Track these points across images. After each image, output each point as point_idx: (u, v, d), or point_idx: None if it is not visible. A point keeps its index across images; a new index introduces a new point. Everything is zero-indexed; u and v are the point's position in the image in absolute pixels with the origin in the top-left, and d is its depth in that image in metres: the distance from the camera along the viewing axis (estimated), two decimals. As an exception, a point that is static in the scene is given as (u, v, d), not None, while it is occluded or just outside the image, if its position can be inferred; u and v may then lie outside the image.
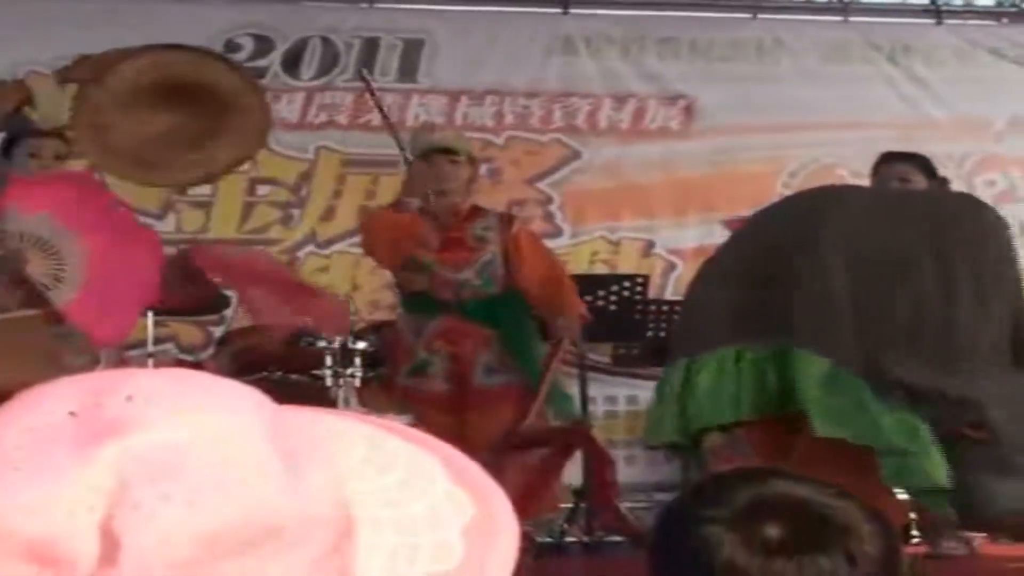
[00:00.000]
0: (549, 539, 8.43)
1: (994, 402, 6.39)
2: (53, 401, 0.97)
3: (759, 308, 6.72)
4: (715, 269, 7.14)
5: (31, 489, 0.92)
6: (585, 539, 8.36)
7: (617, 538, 8.31)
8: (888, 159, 7.76)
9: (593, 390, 9.01)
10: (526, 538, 1.14)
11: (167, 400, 0.96)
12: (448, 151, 7.80)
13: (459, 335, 7.62)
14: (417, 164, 7.77)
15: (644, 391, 9.59)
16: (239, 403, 0.99)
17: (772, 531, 2.01)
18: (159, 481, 0.92)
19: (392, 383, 7.90)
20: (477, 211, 7.84)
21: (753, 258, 6.92)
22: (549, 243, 10.28)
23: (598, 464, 8.11)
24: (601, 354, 9.47)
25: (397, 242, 7.58)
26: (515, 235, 7.87)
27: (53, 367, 6.64)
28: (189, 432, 0.94)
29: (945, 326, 6.60)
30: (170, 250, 9.12)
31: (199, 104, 7.16)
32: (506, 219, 8.03)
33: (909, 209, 7.18)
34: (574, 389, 8.88)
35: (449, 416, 7.53)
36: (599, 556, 8.24)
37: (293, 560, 0.95)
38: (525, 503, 7.39)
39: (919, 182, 7.55)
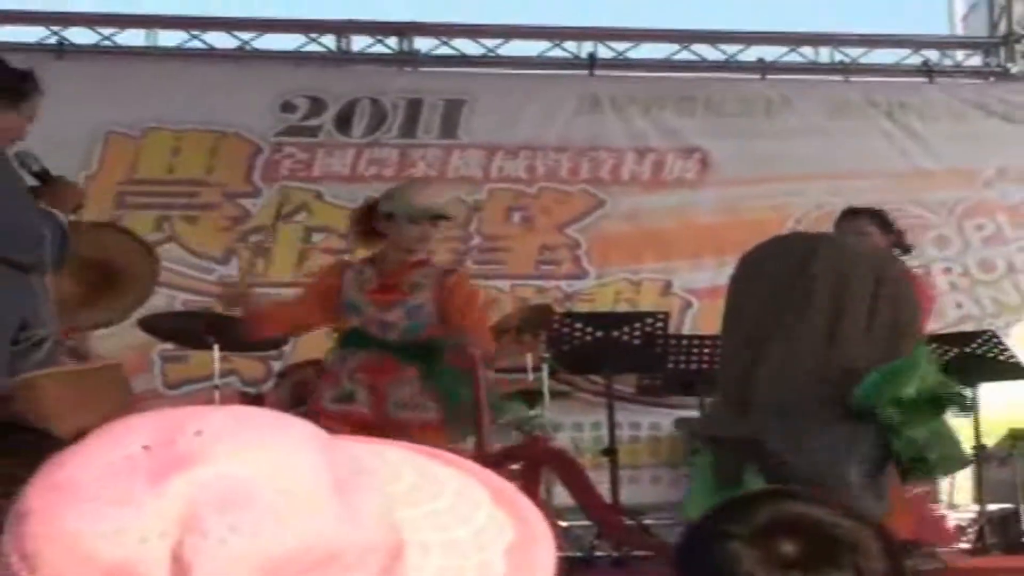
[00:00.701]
0: (579, 554, 8.31)
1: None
2: (129, 436, 0.97)
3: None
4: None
5: (109, 517, 0.92)
6: (615, 554, 8.24)
7: (645, 553, 8.07)
8: (848, 214, 7.87)
9: (619, 417, 8.97)
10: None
11: (232, 436, 0.96)
12: (445, 219, 7.59)
13: (378, 369, 7.26)
14: (396, 221, 7.36)
15: (666, 418, 9.96)
16: (297, 438, 0.98)
17: (788, 548, 2.01)
18: (225, 511, 0.92)
19: (320, 409, 7.37)
20: (422, 263, 7.44)
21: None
22: (575, 284, 10.71)
23: (569, 475, 7.77)
24: (626, 384, 9.39)
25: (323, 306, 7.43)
26: (451, 282, 7.47)
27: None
28: (252, 466, 0.94)
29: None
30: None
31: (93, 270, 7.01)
32: (446, 272, 7.65)
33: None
34: (602, 417, 8.96)
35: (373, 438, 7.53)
36: (629, 571, 8.06)
37: None
38: None
39: (875, 235, 7.64)
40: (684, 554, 2.12)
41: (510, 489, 1.07)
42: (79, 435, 1.25)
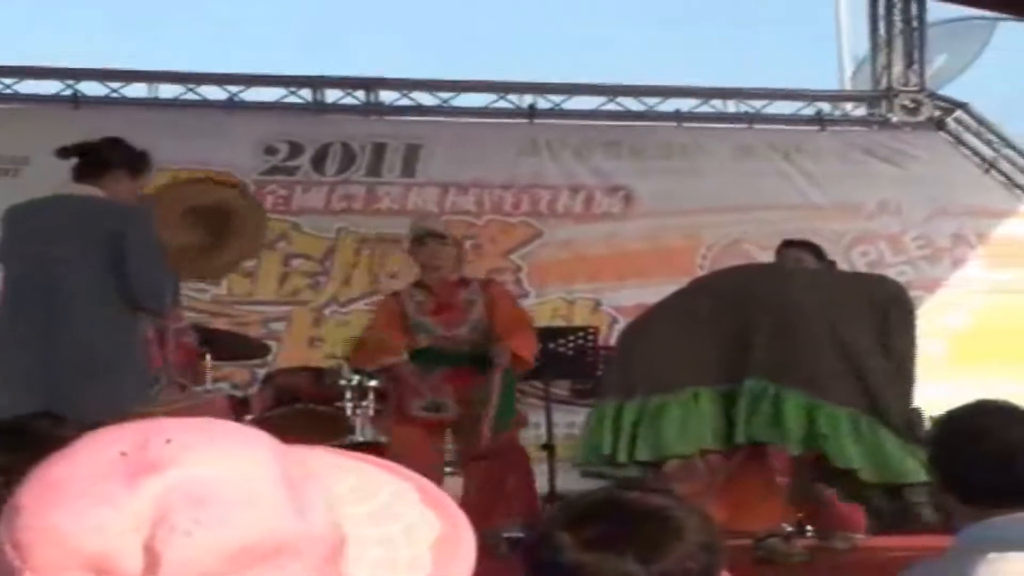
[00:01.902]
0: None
1: None
2: (109, 443, 0.96)
3: (716, 357, 6.71)
4: (662, 329, 7.03)
5: (91, 514, 0.92)
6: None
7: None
8: (788, 245, 7.85)
9: (556, 417, 8.99)
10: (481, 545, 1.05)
11: (197, 444, 0.95)
12: (437, 235, 7.82)
13: (461, 382, 7.58)
14: (412, 246, 7.83)
15: None
16: (253, 445, 0.98)
17: (593, 529, 1.99)
18: (191, 508, 0.92)
19: (405, 414, 7.75)
20: (464, 281, 7.80)
21: (709, 319, 6.83)
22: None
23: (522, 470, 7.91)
24: (562, 388, 9.40)
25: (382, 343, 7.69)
26: (495, 292, 7.90)
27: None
28: (214, 469, 0.94)
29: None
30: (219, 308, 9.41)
31: (209, 221, 7.00)
32: (485, 284, 8.02)
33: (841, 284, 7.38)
34: (541, 417, 8.90)
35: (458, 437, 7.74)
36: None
37: (297, 570, 0.95)
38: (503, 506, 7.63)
39: (810, 263, 7.62)
40: (526, 545, 2.16)
41: (440, 493, 1.07)
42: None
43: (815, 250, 7.77)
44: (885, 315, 6.90)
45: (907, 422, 6.49)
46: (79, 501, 0.92)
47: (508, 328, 7.70)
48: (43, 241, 6.05)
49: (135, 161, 6.30)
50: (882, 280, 7.93)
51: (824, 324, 6.78)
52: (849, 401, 6.60)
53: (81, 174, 6.18)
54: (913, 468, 6.32)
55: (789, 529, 7.31)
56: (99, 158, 6.20)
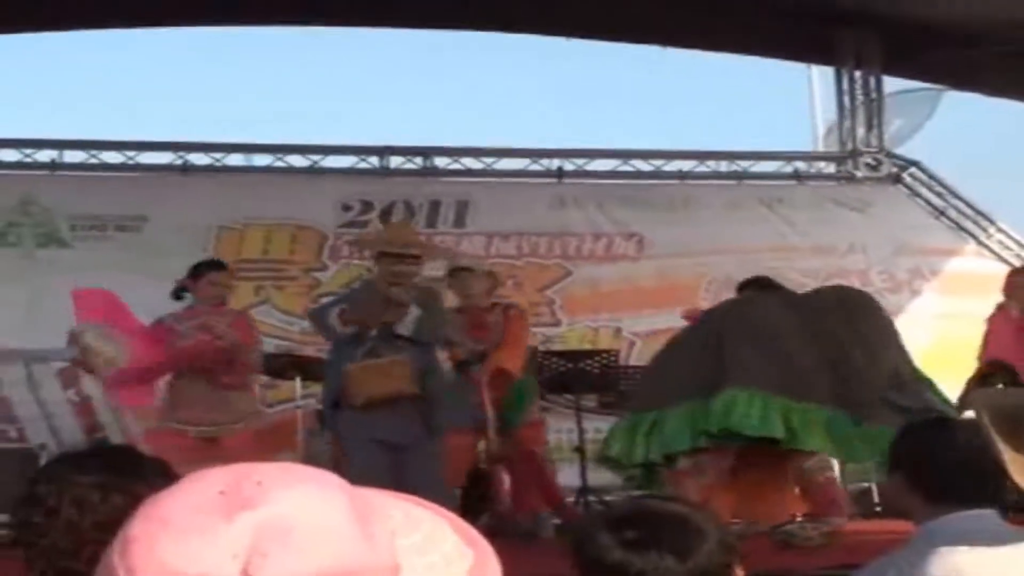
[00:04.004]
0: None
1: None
2: (209, 483, 0.95)
3: (695, 373, 6.69)
4: (676, 354, 7.04)
5: (194, 543, 0.90)
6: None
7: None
8: (742, 288, 7.68)
9: (586, 424, 8.80)
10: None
11: (283, 484, 0.94)
12: (466, 269, 7.85)
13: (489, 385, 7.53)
14: (449, 280, 7.85)
15: None
16: (329, 486, 0.96)
17: (630, 532, 1.97)
18: (280, 540, 0.90)
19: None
20: (494, 306, 7.80)
21: (711, 345, 6.78)
22: (552, 330, 10.43)
23: (535, 471, 7.81)
24: (590, 401, 9.20)
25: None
26: (508, 316, 7.80)
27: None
28: (298, 506, 0.92)
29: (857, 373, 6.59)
30: (306, 338, 9.35)
31: None
32: (506, 308, 7.95)
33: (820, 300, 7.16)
34: (573, 424, 8.75)
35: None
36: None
37: None
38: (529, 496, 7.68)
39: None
40: (573, 538, 2.09)
41: (465, 524, 1.05)
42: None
43: (764, 285, 7.61)
44: (851, 310, 6.89)
45: (878, 401, 6.41)
46: (184, 533, 0.91)
47: (502, 344, 7.66)
48: None
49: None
50: (844, 287, 7.94)
51: (802, 333, 6.74)
52: (825, 398, 6.55)
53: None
54: (860, 450, 6.41)
55: (800, 518, 7.10)
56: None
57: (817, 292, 7.51)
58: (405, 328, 6.67)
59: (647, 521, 1.97)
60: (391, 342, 6.71)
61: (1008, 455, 1.81)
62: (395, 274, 6.83)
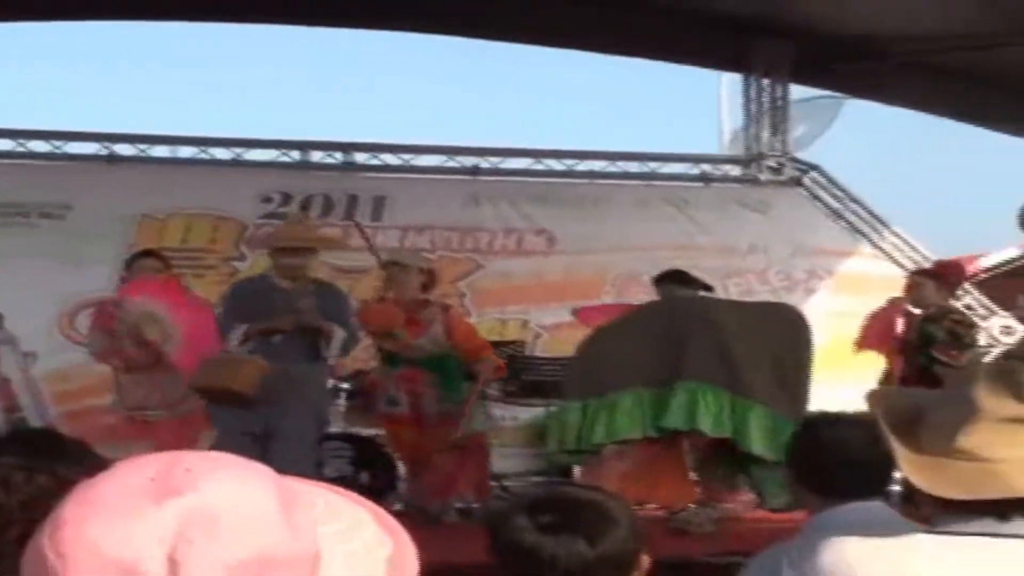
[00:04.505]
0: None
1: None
2: (141, 469, 0.94)
3: (658, 364, 7.02)
4: (607, 343, 7.30)
5: (122, 526, 0.89)
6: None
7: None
8: (659, 281, 7.99)
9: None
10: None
11: (211, 472, 0.93)
12: (400, 264, 7.82)
13: (415, 381, 7.57)
14: (384, 273, 7.86)
15: (522, 413, 9.63)
16: (256, 476, 0.96)
17: (545, 517, 1.97)
18: (205, 526, 0.90)
19: (375, 409, 7.91)
20: (426, 302, 7.74)
21: (653, 336, 7.12)
22: None
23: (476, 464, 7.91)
24: (495, 389, 9.07)
25: (385, 323, 7.57)
26: (450, 317, 7.82)
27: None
28: (225, 494, 0.92)
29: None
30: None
31: None
32: (444, 307, 7.96)
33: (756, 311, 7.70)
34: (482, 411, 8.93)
35: (413, 431, 7.65)
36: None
37: None
38: (460, 484, 7.81)
39: (685, 292, 7.81)
40: (489, 522, 2.09)
41: (385, 514, 1.05)
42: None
43: (679, 279, 7.90)
44: (787, 331, 7.34)
45: (798, 411, 6.70)
46: (115, 516, 0.90)
47: (478, 346, 7.82)
48: None
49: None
50: (785, 306, 8.36)
51: (743, 337, 7.19)
52: (762, 397, 6.98)
53: None
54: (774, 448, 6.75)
55: (692, 505, 7.46)
56: None
57: (759, 305, 8.13)
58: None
59: (563, 506, 2.00)
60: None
61: (901, 452, 1.82)
62: (282, 267, 7.14)
